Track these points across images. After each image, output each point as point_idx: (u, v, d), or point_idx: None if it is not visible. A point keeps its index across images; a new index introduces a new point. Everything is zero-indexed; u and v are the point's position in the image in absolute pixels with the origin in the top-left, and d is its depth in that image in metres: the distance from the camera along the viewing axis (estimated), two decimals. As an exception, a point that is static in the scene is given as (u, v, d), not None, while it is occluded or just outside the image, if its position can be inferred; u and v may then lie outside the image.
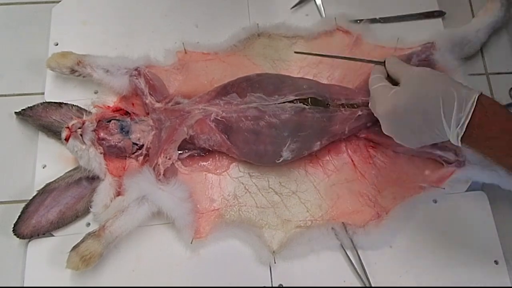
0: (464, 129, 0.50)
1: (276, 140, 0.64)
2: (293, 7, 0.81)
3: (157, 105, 0.69)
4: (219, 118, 0.65)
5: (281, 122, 0.63)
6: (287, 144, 0.64)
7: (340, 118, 0.66)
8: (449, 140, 0.53)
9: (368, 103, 0.69)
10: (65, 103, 0.72)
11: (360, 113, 0.67)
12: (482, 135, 0.50)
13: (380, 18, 0.80)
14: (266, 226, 0.66)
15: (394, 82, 0.60)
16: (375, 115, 0.61)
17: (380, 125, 0.70)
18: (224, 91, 0.67)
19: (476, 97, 0.50)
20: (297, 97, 0.64)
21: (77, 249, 0.59)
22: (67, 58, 0.70)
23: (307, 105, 0.65)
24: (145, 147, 0.68)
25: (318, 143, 0.66)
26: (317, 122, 0.65)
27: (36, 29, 0.80)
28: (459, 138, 0.51)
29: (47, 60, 0.71)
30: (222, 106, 0.65)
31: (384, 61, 0.63)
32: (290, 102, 0.64)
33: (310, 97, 0.65)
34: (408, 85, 0.56)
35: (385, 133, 0.59)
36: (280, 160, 0.65)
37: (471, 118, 0.49)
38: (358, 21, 0.79)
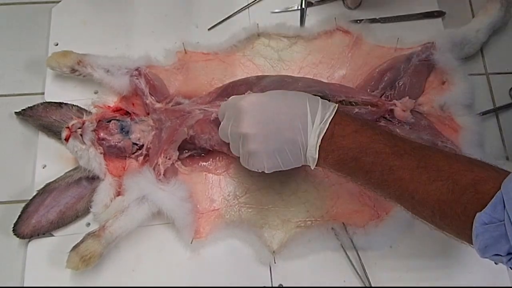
0: (327, 125, 0.50)
1: None
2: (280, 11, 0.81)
3: (158, 105, 0.69)
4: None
5: None
6: None
7: None
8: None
9: (368, 102, 0.69)
10: (65, 103, 0.72)
11: (357, 110, 0.67)
12: (339, 133, 0.50)
13: (380, 18, 0.80)
14: (266, 226, 0.66)
15: None
16: (222, 131, 0.58)
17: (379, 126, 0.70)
18: (224, 92, 0.67)
19: (337, 105, 0.53)
20: None
21: (77, 249, 0.59)
22: (68, 57, 0.70)
23: None
24: (145, 147, 0.68)
25: None
26: None
27: (36, 29, 0.80)
28: (321, 136, 0.50)
29: (47, 59, 0.71)
30: None
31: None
32: None
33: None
34: (269, 92, 0.55)
35: (233, 142, 0.56)
36: None
37: (334, 116, 0.51)
38: (358, 21, 0.79)
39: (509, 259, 0.42)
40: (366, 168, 0.49)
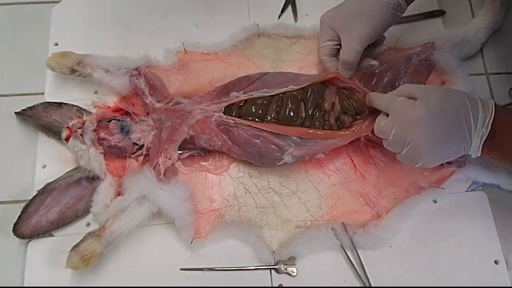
0: (489, 128, 0.54)
1: (278, 144, 0.64)
2: (279, 16, 0.81)
3: (158, 105, 0.69)
4: (220, 119, 0.64)
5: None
6: (289, 151, 0.63)
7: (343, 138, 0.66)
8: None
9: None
10: (65, 103, 0.72)
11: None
12: (502, 133, 0.54)
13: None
14: (266, 226, 0.66)
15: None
16: (382, 127, 0.59)
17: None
18: (224, 90, 0.67)
19: (493, 101, 0.56)
20: (297, 87, 0.65)
21: (77, 248, 0.59)
22: (68, 58, 0.70)
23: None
24: (145, 147, 0.68)
25: (322, 154, 0.66)
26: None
27: (36, 29, 0.80)
28: (483, 139, 0.54)
29: (47, 60, 0.71)
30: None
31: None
32: (290, 92, 0.65)
33: (309, 84, 0.65)
34: (430, 95, 0.56)
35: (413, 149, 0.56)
36: (281, 163, 0.65)
37: (493, 117, 0.54)
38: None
39: None
40: None
